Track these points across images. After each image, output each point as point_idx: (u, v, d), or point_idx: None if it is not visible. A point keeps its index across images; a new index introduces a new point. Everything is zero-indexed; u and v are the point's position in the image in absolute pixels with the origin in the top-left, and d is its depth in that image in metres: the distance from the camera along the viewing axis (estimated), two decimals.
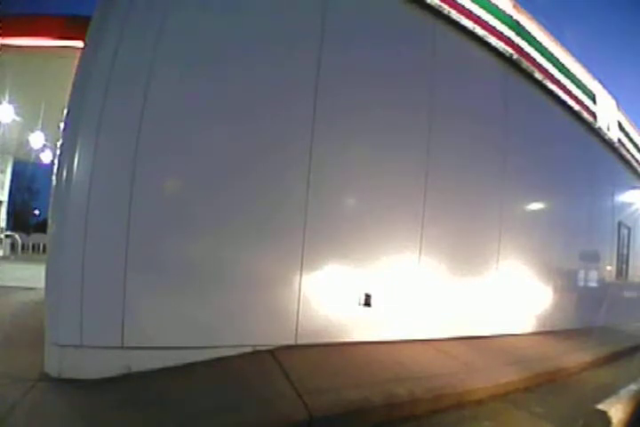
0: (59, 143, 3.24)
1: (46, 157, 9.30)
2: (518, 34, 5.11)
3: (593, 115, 6.72)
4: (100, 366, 2.27)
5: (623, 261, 8.25)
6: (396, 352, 3.32)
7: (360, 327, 3.45)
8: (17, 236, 10.46)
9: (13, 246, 10.45)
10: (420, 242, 3.91)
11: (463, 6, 4.37)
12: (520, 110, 5.16)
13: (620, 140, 7.68)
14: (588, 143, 6.88)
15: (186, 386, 2.25)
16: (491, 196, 4.77)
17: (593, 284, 7.00)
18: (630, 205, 8.50)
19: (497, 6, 4.83)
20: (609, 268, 7.64)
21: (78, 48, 3.55)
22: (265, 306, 2.94)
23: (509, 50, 4.92)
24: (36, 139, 7.98)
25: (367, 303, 3.47)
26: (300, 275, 3.12)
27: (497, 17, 4.80)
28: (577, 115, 6.33)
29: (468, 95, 4.51)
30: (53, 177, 2.61)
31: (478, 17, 4.55)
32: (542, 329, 5.27)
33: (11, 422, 1.70)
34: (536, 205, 5.60)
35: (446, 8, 4.18)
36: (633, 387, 2.27)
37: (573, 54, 6.30)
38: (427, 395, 2.53)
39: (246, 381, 2.40)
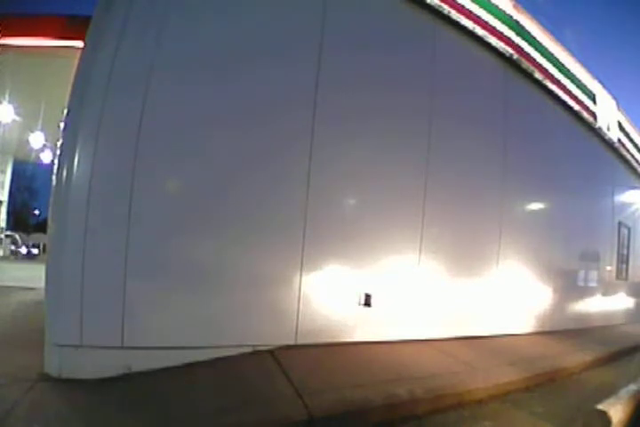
0: (59, 143, 3.24)
1: (46, 157, 9.31)
2: (518, 34, 5.11)
3: (593, 115, 6.72)
4: (100, 366, 2.27)
5: (623, 261, 8.24)
6: (396, 352, 3.32)
7: (360, 327, 3.45)
8: (17, 236, 10.46)
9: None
10: (420, 242, 3.90)
11: (463, 6, 4.37)
12: (520, 110, 5.16)
13: (619, 140, 7.68)
14: (588, 143, 6.88)
15: (186, 386, 2.25)
16: (491, 196, 4.76)
17: (593, 284, 7.00)
18: (630, 204, 8.50)
19: (497, 6, 4.83)
20: (609, 268, 7.64)
21: (78, 48, 3.55)
22: (265, 306, 2.94)
23: (509, 50, 4.92)
24: (36, 139, 7.99)
25: (367, 303, 3.46)
26: (301, 275, 3.11)
27: (497, 17, 4.79)
28: (577, 115, 6.34)
29: (469, 96, 4.50)
30: (53, 177, 2.61)
31: (478, 17, 4.55)
32: (542, 329, 5.27)
33: (11, 422, 1.69)
34: (536, 206, 5.60)
35: (446, 8, 4.18)
36: (633, 387, 2.26)
37: (573, 54, 6.31)
38: (427, 395, 2.53)
39: (246, 381, 2.40)
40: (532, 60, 5.34)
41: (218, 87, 2.79)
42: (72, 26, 4.51)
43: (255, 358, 2.76)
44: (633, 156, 8.42)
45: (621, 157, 7.94)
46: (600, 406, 1.87)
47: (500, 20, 4.83)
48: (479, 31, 4.54)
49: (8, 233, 10.85)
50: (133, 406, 1.98)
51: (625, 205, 8.26)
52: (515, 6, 5.11)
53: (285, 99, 3.12)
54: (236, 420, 1.94)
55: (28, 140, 8.10)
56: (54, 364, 2.22)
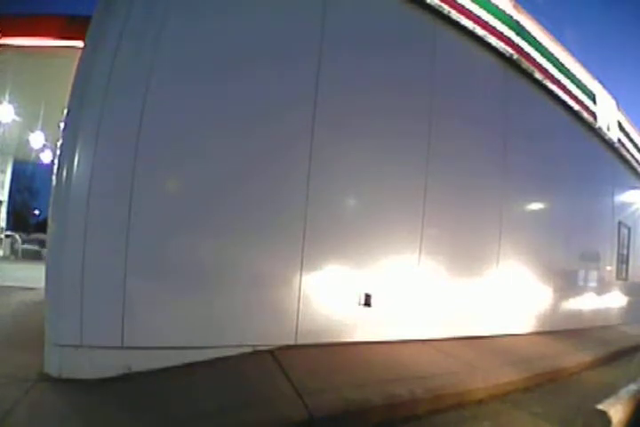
0: (59, 143, 3.24)
1: (46, 157, 9.31)
2: (518, 34, 5.11)
3: (593, 115, 6.72)
4: (100, 366, 2.27)
5: (623, 261, 8.24)
6: (396, 352, 3.32)
7: (360, 327, 3.45)
8: (17, 236, 10.44)
9: (13, 246, 10.43)
10: (420, 242, 3.90)
11: (463, 6, 4.37)
12: (520, 110, 5.16)
13: (619, 140, 7.68)
14: (588, 143, 6.88)
15: (186, 386, 2.25)
16: (491, 197, 4.76)
17: (593, 284, 7.00)
18: (630, 204, 8.50)
19: (497, 6, 4.83)
20: (609, 268, 7.64)
21: (78, 48, 3.54)
22: (265, 306, 2.94)
23: (509, 50, 4.92)
24: (36, 139, 7.99)
25: (367, 303, 3.46)
26: (301, 275, 3.11)
27: (497, 17, 4.79)
28: (577, 115, 6.33)
29: (469, 96, 4.51)
30: (53, 177, 2.61)
31: (478, 17, 4.55)
32: (542, 329, 5.27)
33: (11, 422, 1.69)
34: (536, 206, 5.60)
35: (446, 8, 4.18)
36: (633, 387, 2.26)
37: (573, 54, 6.31)
38: (427, 395, 2.53)
39: (246, 381, 2.40)
40: (532, 60, 5.34)
41: (218, 87, 2.79)
42: (72, 26, 4.51)
43: (255, 358, 2.76)
44: (633, 156, 8.42)
45: (621, 157, 7.94)
46: (600, 406, 1.87)
47: (500, 20, 4.83)
48: (479, 31, 4.54)
49: (8, 233, 10.84)
50: (133, 407, 1.97)
51: (625, 205, 8.26)
52: (515, 6, 5.11)
53: (286, 99, 3.11)
54: (237, 420, 1.94)
55: (28, 140, 8.10)
56: (54, 364, 2.22)
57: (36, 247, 10.00)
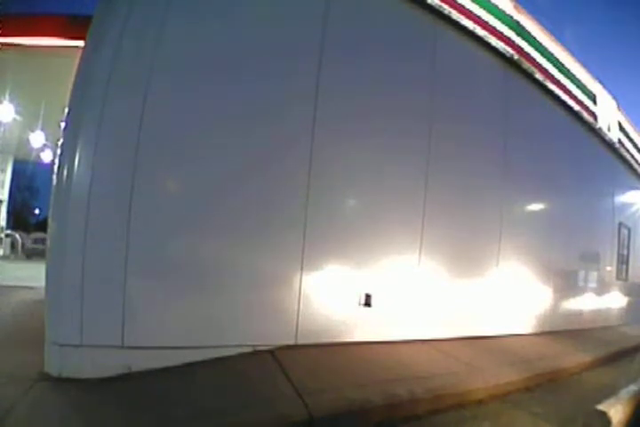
0: (59, 142, 3.24)
1: (46, 157, 9.32)
2: (519, 34, 5.11)
3: (593, 115, 6.72)
4: (100, 366, 2.26)
5: (623, 262, 8.24)
6: (397, 352, 3.32)
7: (360, 327, 3.45)
8: (17, 235, 10.44)
9: (13, 246, 10.44)
10: (421, 243, 3.90)
11: (463, 6, 4.37)
12: (520, 111, 5.16)
13: (620, 140, 7.68)
14: (589, 144, 6.88)
15: (186, 386, 2.25)
16: (491, 197, 4.76)
17: (593, 284, 7.00)
18: (630, 205, 8.50)
19: (497, 6, 4.83)
20: (609, 268, 7.64)
21: (79, 47, 3.55)
22: (265, 306, 2.93)
23: (510, 50, 4.92)
24: (37, 138, 8.00)
25: (367, 303, 3.46)
26: (301, 275, 3.11)
27: (497, 17, 4.79)
28: (577, 115, 6.33)
29: (469, 96, 4.51)
30: (54, 176, 2.61)
31: (478, 17, 4.55)
32: (542, 330, 5.27)
33: (11, 421, 1.69)
34: (536, 206, 5.60)
35: (446, 8, 4.18)
36: (633, 387, 2.26)
37: (574, 54, 6.31)
38: (427, 395, 2.53)
39: (246, 381, 2.39)
40: (533, 61, 5.34)
41: (218, 87, 2.78)
42: (73, 25, 4.51)
43: (255, 358, 2.76)
44: (633, 156, 8.42)
45: (621, 157, 7.94)
46: (600, 407, 1.87)
47: (500, 20, 4.83)
48: (479, 31, 4.53)
49: (8, 232, 10.84)
50: (133, 406, 1.97)
51: (625, 206, 8.26)
52: (515, 6, 5.11)
53: (286, 99, 3.11)
54: (236, 420, 1.94)
55: (28, 140, 8.11)
56: (54, 363, 2.22)
57: (43, 246, 10.00)
